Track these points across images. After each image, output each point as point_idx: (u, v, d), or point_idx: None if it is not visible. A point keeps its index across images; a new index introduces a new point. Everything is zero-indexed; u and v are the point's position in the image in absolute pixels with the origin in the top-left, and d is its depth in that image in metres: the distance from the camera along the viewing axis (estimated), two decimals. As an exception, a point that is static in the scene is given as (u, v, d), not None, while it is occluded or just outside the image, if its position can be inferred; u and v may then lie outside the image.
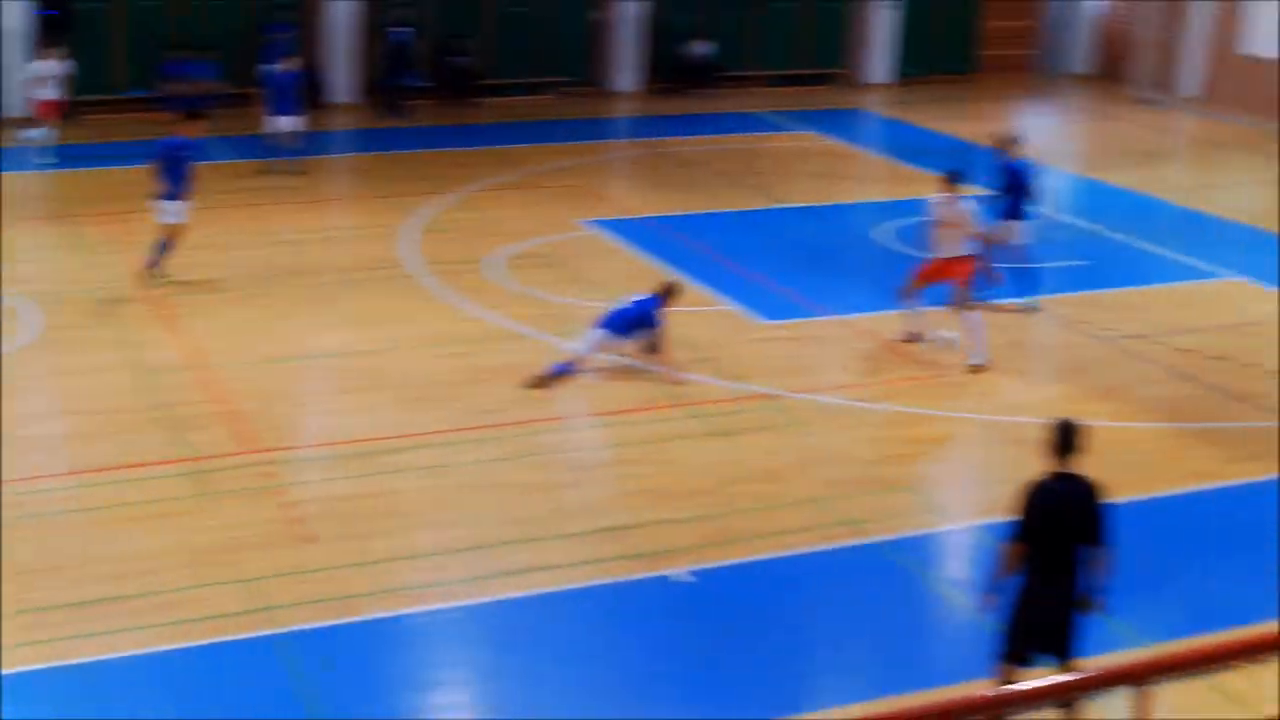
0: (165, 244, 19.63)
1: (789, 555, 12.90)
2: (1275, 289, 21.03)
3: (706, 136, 30.87)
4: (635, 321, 16.76)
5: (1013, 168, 19.60)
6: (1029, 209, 19.83)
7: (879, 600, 12.28)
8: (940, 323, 17.88)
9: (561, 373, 16.58)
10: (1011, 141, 19.90)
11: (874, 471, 14.69)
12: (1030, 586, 9.78)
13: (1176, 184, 28.06)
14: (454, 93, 33.42)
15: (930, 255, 17.86)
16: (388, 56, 32.46)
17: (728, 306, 19.49)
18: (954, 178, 17.59)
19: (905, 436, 15.62)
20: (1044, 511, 9.66)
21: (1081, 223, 24.75)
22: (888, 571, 12.73)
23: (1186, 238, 24.15)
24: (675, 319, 17.66)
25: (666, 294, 16.94)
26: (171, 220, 19.62)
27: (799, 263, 21.54)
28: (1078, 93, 38.29)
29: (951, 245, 17.47)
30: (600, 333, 16.76)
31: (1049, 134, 33.18)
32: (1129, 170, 29.01)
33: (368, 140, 30.14)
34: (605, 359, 16.88)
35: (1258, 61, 34.94)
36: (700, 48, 35.77)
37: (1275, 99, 34.18)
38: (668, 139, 30.45)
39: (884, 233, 23.24)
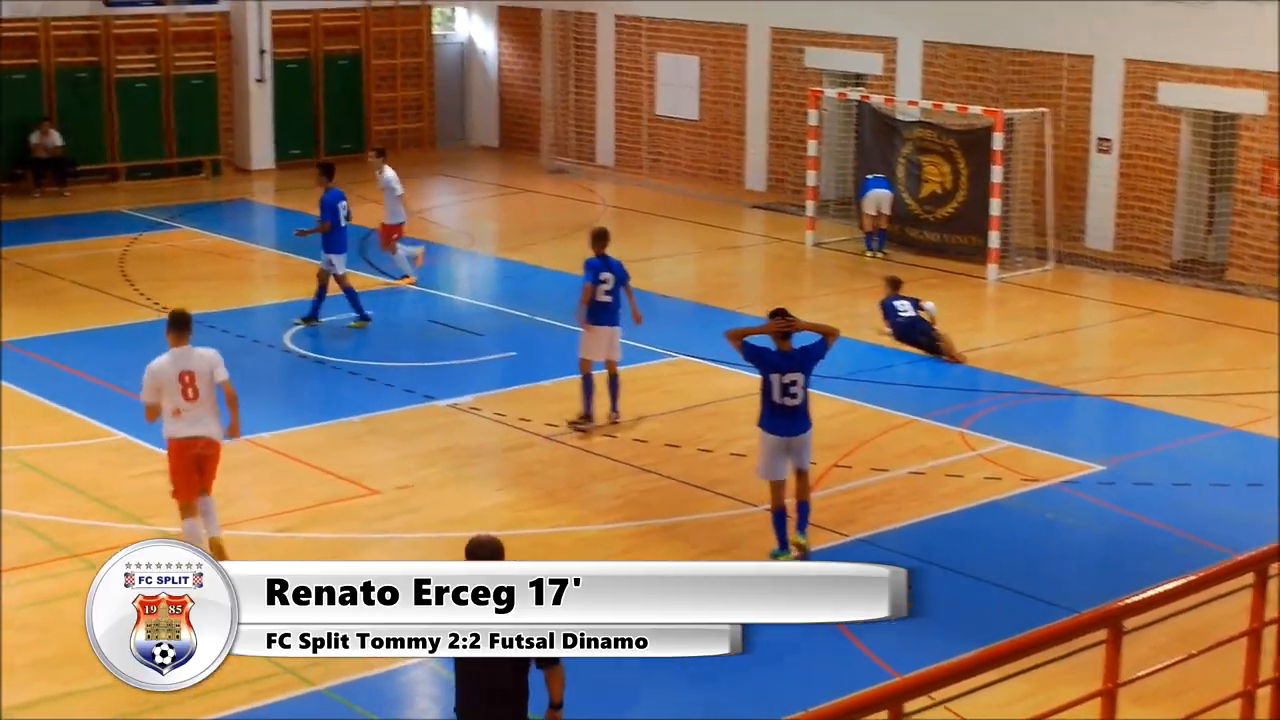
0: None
1: (254, 709, 12.65)
2: (720, 365, 22.06)
3: (64, 242, 30.05)
4: None
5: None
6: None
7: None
8: None
9: None
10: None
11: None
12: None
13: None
14: None
15: None
16: None
17: (115, 437, 19.03)
18: None
19: (337, 568, 15.52)
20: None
21: (506, 309, 25.36)
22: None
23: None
24: (55, 457, 17.12)
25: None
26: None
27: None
28: (486, 165, 39.22)
29: None
30: None
31: (458, 212, 33.88)
32: (550, 246, 29.98)
33: None
34: None
35: (672, 122, 36.74)
36: (53, 138, 34.62)
37: (693, 159, 36.10)
38: (21, 247, 29.40)
39: (292, 337, 23.24)
